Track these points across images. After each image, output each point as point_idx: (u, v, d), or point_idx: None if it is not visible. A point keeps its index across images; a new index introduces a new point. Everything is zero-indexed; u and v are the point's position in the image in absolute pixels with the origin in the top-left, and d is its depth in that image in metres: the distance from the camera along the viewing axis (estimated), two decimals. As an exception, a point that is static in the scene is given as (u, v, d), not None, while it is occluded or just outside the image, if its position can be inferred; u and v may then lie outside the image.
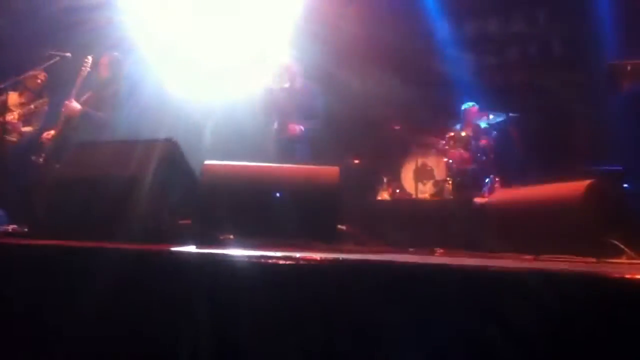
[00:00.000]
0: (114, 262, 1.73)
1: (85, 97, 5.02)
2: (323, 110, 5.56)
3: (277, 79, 5.44)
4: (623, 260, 2.11)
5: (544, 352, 1.22)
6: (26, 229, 3.21)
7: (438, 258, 2.03)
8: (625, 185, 4.78)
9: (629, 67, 3.90)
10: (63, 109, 4.94)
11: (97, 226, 2.50)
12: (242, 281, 1.57)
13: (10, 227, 3.45)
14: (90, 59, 5.03)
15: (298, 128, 5.35)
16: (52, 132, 4.99)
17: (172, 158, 3.01)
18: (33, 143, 5.12)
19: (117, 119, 5.02)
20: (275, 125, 5.43)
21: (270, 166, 3.34)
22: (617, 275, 1.22)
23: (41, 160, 4.83)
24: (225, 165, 3.07)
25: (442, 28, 8.50)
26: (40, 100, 5.31)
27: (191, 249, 1.87)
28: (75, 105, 4.91)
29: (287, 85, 5.45)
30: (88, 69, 5.01)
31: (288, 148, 5.28)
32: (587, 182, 2.47)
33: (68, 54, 5.10)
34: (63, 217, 2.77)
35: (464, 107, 7.08)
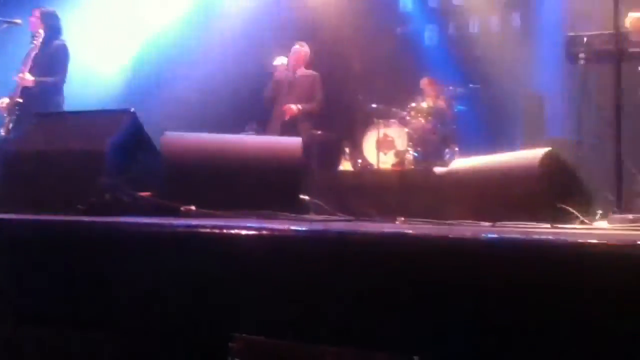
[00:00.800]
0: (69, 235, 1.70)
1: (31, 60, 4.85)
2: (322, 96, 5.94)
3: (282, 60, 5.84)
4: (576, 225, 2.19)
5: (500, 318, 1.26)
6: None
7: (399, 226, 2.07)
8: (579, 153, 4.92)
9: (584, 39, 3.98)
10: (17, 80, 4.79)
11: (53, 200, 2.44)
12: (204, 253, 1.56)
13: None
14: (41, 32, 4.87)
15: (295, 108, 5.66)
16: (6, 100, 4.84)
17: (131, 129, 2.95)
18: None
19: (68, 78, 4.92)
20: (276, 108, 5.82)
21: (233, 137, 3.31)
22: (570, 240, 1.26)
23: (2, 133, 4.70)
24: (186, 136, 3.03)
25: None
26: None
27: (153, 220, 1.85)
28: (29, 76, 4.77)
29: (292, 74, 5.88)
30: (41, 40, 4.85)
31: (287, 130, 5.54)
32: (543, 151, 2.54)
33: (19, 21, 4.93)
34: (17, 191, 2.69)
35: (423, 78, 7.13)
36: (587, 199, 2.52)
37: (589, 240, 1.23)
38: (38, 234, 1.74)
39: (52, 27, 4.97)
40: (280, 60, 6.02)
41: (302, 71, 6.03)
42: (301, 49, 6.06)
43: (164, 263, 1.59)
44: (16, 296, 1.71)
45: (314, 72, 6.02)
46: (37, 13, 4.93)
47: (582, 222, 2.23)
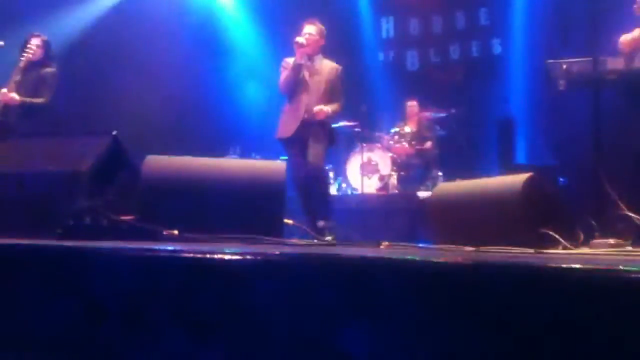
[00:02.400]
0: (46, 260, 1.66)
1: (17, 80, 4.84)
2: (343, 94, 4.99)
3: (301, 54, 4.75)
4: (559, 250, 2.20)
5: (486, 343, 1.25)
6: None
7: (382, 251, 2.06)
8: (560, 179, 4.97)
9: (564, 66, 4.05)
10: (1, 98, 4.76)
11: (28, 223, 2.40)
12: (188, 278, 1.54)
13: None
14: (35, 51, 4.89)
15: (325, 111, 4.76)
16: None
17: (113, 152, 2.92)
18: None
19: (55, 102, 4.93)
20: (293, 102, 4.83)
21: (216, 160, 3.29)
22: (553, 265, 1.26)
23: None
24: (168, 159, 3.01)
25: (388, 25, 8.63)
26: None
27: (134, 245, 1.82)
28: (14, 95, 4.75)
29: (310, 62, 4.84)
30: (29, 56, 4.87)
31: (306, 128, 4.74)
32: (525, 176, 2.56)
33: (1, 43, 4.92)
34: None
35: (407, 103, 7.21)
36: (569, 224, 2.54)
37: (572, 265, 1.23)
38: (10, 258, 1.70)
39: (50, 55, 5.05)
40: (308, 29, 4.85)
41: (320, 60, 4.92)
42: (317, 29, 4.89)
43: (146, 289, 1.56)
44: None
45: (336, 64, 4.97)
46: (39, 42, 4.98)
47: (565, 247, 2.24)
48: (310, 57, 4.82)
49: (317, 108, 4.75)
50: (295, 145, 4.77)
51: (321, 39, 4.87)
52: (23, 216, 2.61)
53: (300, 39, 4.70)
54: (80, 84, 6.54)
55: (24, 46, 4.91)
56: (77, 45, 6.63)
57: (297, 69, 4.72)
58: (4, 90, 4.75)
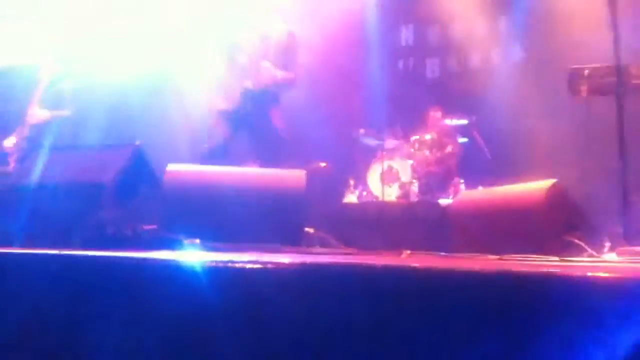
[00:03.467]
0: (73, 270, 1.68)
1: (39, 96, 4.96)
2: (298, 64, 4.48)
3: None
4: (584, 258, 2.16)
5: (509, 351, 1.24)
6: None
7: (404, 259, 2.04)
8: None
9: (586, 72, 4.00)
10: (28, 118, 4.88)
11: (53, 233, 2.44)
12: (208, 286, 1.54)
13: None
14: (50, 67, 5.01)
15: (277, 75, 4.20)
16: (13, 139, 4.91)
17: (135, 162, 2.96)
18: None
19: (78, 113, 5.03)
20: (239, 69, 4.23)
21: (236, 169, 3.31)
22: (578, 274, 1.24)
23: (10, 168, 4.75)
24: (189, 168, 3.03)
25: (407, 33, 8.62)
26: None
27: (156, 254, 1.83)
28: (42, 111, 4.87)
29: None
30: (51, 77, 4.99)
31: (255, 99, 4.20)
32: (548, 183, 2.52)
33: (28, 64, 5.08)
34: (18, 224, 2.69)
35: (430, 111, 7.18)
36: (594, 231, 2.50)
37: (599, 274, 1.21)
38: (36, 269, 1.72)
39: (68, 70, 5.15)
40: None
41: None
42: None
43: (167, 298, 1.57)
44: (18, 332, 1.69)
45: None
46: (50, 56, 5.10)
47: (591, 255, 2.20)
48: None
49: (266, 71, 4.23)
50: (227, 123, 4.37)
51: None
52: (48, 227, 2.65)
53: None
54: (102, 95, 6.64)
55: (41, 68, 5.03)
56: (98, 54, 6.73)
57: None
58: (31, 109, 4.89)
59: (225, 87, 4.17)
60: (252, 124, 4.22)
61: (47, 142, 4.71)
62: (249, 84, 4.12)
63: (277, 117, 4.26)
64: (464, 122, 7.01)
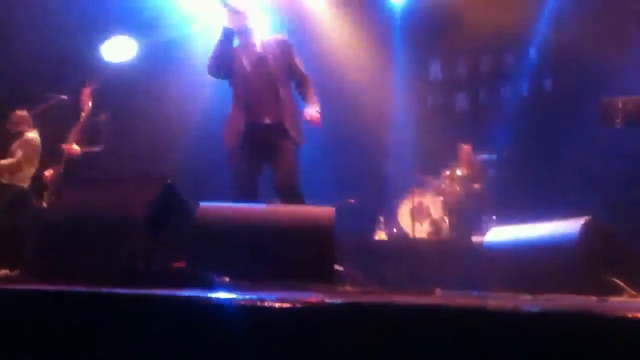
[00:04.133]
0: (104, 307, 1.69)
1: (77, 132, 5.07)
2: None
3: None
4: (624, 298, 2.09)
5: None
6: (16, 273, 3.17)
7: (437, 298, 2.01)
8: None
9: (620, 104, 3.95)
10: (64, 152, 5.00)
11: (85, 269, 2.47)
12: (238, 325, 1.54)
13: (2, 272, 3.41)
14: (89, 105, 5.13)
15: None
16: (52, 171, 5.04)
17: (167, 198, 3.00)
18: (35, 184, 5.16)
19: (113, 148, 5.12)
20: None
21: (266, 207, 3.32)
22: (617, 314, 1.20)
23: (44, 204, 4.86)
24: (220, 206, 3.06)
25: (436, 68, 8.67)
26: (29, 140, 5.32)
27: (186, 292, 1.84)
28: (75, 147, 4.98)
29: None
30: (89, 113, 5.11)
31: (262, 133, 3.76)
32: (583, 219, 2.47)
33: (65, 97, 5.21)
34: (52, 260, 2.74)
35: (459, 146, 7.14)
36: (634, 269, 2.42)
37: (638, 314, 1.17)
38: (65, 306, 1.74)
39: (99, 102, 5.27)
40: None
41: (259, 40, 3.89)
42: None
43: (198, 337, 1.56)
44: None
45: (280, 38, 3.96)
46: (87, 91, 5.22)
47: (630, 295, 2.13)
48: (243, 35, 3.83)
49: (309, 113, 3.72)
50: (243, 158, 3.81)
51: (250, 12, 3.85)
52: (80, 261, 2.69)
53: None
54: (137, 129, 6.79)
55: (78, 98, 5.16)
56: (133, 89, 6.91)
57: (228, 36, 3.76)
58: (66, 144, 5.00)
59: (230, 123, 3.82)
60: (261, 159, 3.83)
61: (82, 176, 4.83)
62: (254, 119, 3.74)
63: (290, 152, 3.76)
64: (495, 156, 6.94)
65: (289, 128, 3.70)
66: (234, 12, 3.69)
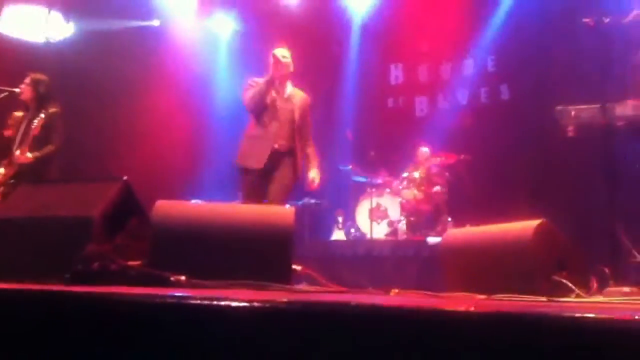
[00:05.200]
0: (52, 306, 1.65)
1: (24, 130, 4.85)
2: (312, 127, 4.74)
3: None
4: (572, 299, 2.16)
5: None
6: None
7: (393, 298, 2.03)
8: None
9: (572, 112, 4.07)
10: (15, 161, 4.78)
11: (37, 268, 2.40)
12: (193, 324, 1.52)
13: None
14: (23, 85, 4.90)
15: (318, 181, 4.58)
16: (2, 170, 4.85)
17: (123, 197, 2.94)
18: None
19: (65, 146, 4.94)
20: (261, 128, 4.45)
21: (224, 205, 3.30)
22: (566, 314, 1.23)
23: None
24: (178, 204, 3.02)
25: (397, 72, 8.76)
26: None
27: (141, 291, 1.81)
28: (27, 155, 4.75)
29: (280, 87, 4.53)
30: (31, 110, 4.91)
31: (273, 159, 4.41)
32: (536, 222, 2.53)
33: (17, 89, 5.00)
34: (4, 260, 2.65)
35: (419, 149, 7.24)
36: (582, 271, 2.50)
37: (586, 314, 1.20)
38: (17, 305, 1.69)
39: (44, 94, 4.92)
40: (283, 52, 4.50)
41: (290, 87, 4.60)
42: (291, 53, 4.59)
43: (153, 335, 1.54)
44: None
45: (306, 94, 4.70)
46: (27, 80, 4.94)
47: (578, 295, 2.20)
48: (282, 82, 4.49)
49: (312, 177, 4.52)
50: (261, 177, 4.39)
51: (293, 64, 4.54)
52: (33, 261, 2.61)
53: (279, 53, 4.42)
54: (90, 128, 6.64)
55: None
56: (86, 87, 6.75)
57: (270, 83, 4.40)
58: (17, 152, 4.75)
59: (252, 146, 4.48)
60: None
61: (36, 176, 4.65)
62: (276, 147, 4.44)
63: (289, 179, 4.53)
64: (453, 160, 7.07)
65: (296, 158, 4.47)
66: (282, 64, 4.40)
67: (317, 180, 4.54)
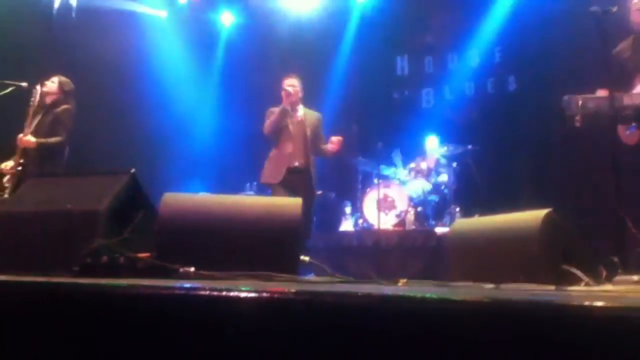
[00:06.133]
0: (61, 298, 1.66)
1: (36, 122, 4.91)
2: (325, 138, 5.43)
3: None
4: (581, 287, 2.15)
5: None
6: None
7: (401, 288, 2.03)
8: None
9: (580, 102, 4.04)
10: (18, 143, 4.83)
11: (47, 261, 2.41)
12: (203, 316, 1.53)
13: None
14: (38, 88, 4.97)
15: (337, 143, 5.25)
16: (10, 163, 4.88)
17: (130, 190, 2.95)
18: None
19: (70, 139, 4.99)
20: (279, 149, 5.27)
21: (231, 197, 3.30)
22: (575, 303, 1.23)
23: (5, 196, 4.69)
24: (185, 196, 3.03)
25: (402, 63, 8.73)
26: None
27: (150, 282, 1.82)
28: (30, 138, 4.82)
29: (293, 112, 5.32)
30: (37, 98, 4.94)
31: (292, 175, 5.18)
32: (544, 212, 2.53)
33: (24, 84, 5.03)
34: (15, 252, 2.67)
35: (427, 138, 7.23)
36: (590, 260, 2.50)
37: (595, 303, 1.20)
38: (26, 297, 1.70)
39: (68, 93, 5.12)
40: (291, 82, 5.35)
41: (302, 109, 5.43)
42: (299, 82, 5.44)
43: (162, 326, 1.55)
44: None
45: (317, 112, 5.54)
46: (54, 79, 5.08)
47: (587, 284, 2.19)
48: (293, 107, 5.29)
49: (333, 143, 5.17)
50: (281, 191, 5.08)
51: (301, 90, 5.37)
52: (41, 255, 2.63)
53: (288, 88, 5.24)
54: (99, 122, 6.66)
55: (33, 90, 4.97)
56: (95, 82, 6.76)
57: (284, 112, 5.22)
58: (21, 135, 4.82)
59: (273, 165, 5.28)
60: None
61: (42, 169, 4.67)
62: (293, 165, 5.22)
63: (311, 199, 5.22)
64: (460, 150, 7.05)
65: (312, 175, 5.26)
66: (291, 94, 5.24)
67: (336, 143, 5.22)
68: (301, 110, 5.36)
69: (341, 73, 8.37)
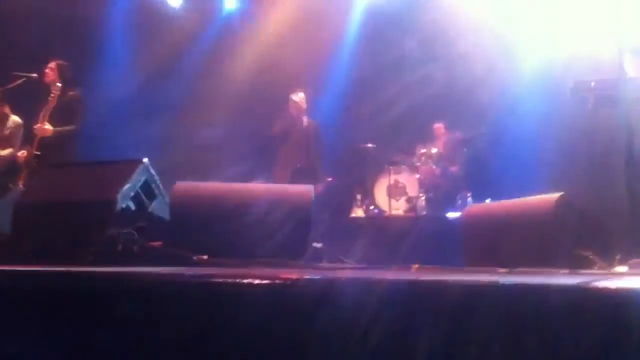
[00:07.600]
0: (77, 286, 1.68)
1: (49, 111, 4.93)
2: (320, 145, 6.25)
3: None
4: (595, 271, 2.14)
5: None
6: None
7: (413, 274, 2.03)
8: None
9: (592, 84, 3.99)
10: (35, 132, 4.85)
11: (62, 250, 2.44)
12: (217, 302, 1.54)
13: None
14: (59, 85, 4.97)
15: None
16: (25, 152, 4.92)
17: (143, 179, 2.97)
18: (11, 166, 5.05)
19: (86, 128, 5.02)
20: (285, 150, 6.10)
21: (243, 185, 3.32)
22: (588, 286, 1.23)
23: (20, 186, 4.73)
24: (197, 185, 3.04)
25: (411, 46, 8.64)
26: (15, 123, 5.26)
27: (165, 271, 1.83)
28: (47, 127, 4.83)
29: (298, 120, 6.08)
30: (58, 93, 4.94)
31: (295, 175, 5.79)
32: (557, 195, 2.51)
33: (34, 75, 5.05)
34: (31, 242, 2.70)
35: (434, 125, 7.18)
36: (605, 243, 2.48)
37: (610, 286, 1.20)
38: (44, 286, 1.72)
39: (67, 79, 5.09)
40: (298, 97, 6.16)
41: (306, 119, 6.23)
42: (305, 97, 6.27)
43: (176, 313, 1.56)
44: (25, 350, 1.68)
45: (313, 121, 6.28)
46: (53, 65, 5.05)
47: (601, 267, 2.18)
48: (298, 117, 6.09)
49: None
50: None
51: (305, 102, 6.19)
52: (57, 244, 2.65)
53: (294, 98, 6.09)
54: (111, 111, 6.67)
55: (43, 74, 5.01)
56: (110, 71, 6.77)
57: (290, 120, 6.09)
58: (38, 125, 4.84)
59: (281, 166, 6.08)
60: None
61: (56, 158, 4.70)
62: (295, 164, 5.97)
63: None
64: (471, 134, 7.00)
65: (316, 175, 5.93)
66: (296, 105, 6.10)
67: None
68: (305, 121, 6.14)
69: (349, 54, 8.28)
